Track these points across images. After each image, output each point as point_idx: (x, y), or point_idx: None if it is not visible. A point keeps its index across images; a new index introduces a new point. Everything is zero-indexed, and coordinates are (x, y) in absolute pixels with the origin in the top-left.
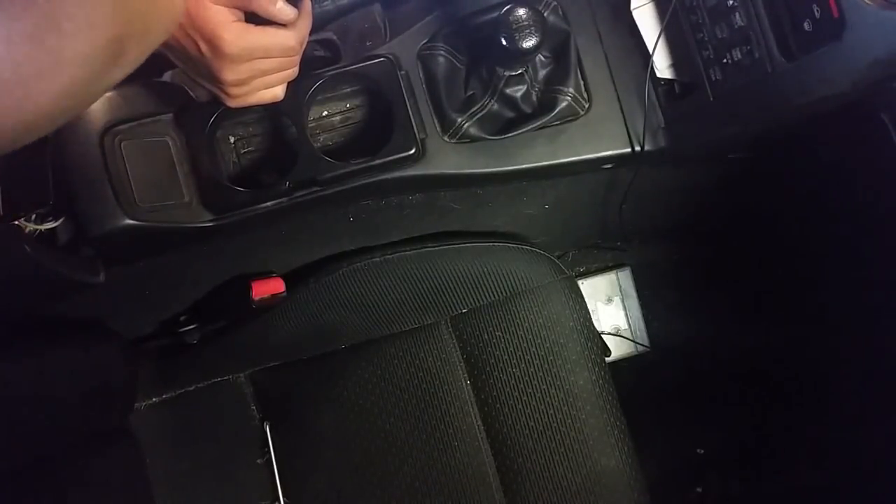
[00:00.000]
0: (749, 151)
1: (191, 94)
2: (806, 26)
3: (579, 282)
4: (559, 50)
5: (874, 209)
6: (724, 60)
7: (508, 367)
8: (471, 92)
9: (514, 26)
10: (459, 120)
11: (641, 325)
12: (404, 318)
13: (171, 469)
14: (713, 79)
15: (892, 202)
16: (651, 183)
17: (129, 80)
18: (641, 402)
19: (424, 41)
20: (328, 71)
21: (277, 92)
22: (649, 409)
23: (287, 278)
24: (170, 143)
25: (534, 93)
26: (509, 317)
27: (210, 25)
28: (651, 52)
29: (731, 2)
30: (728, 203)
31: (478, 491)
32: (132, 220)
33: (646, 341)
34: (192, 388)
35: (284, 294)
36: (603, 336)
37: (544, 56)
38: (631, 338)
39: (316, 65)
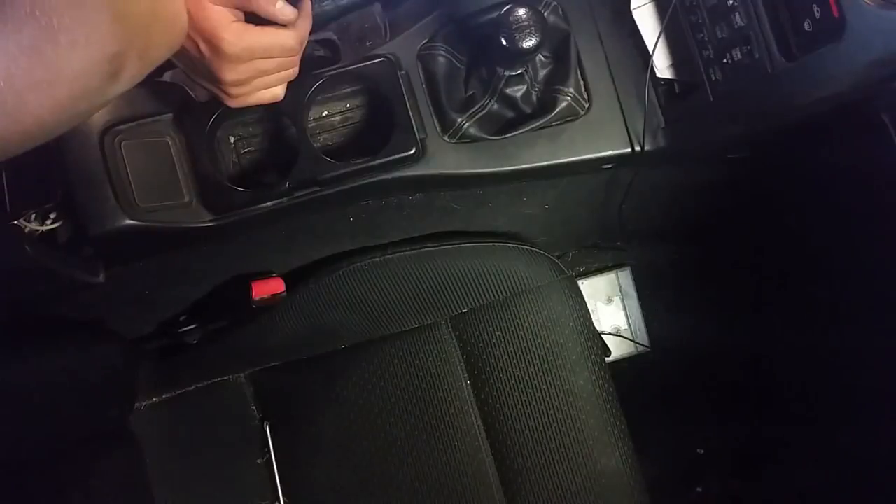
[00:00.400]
0: (749, 151)
1: (191, 94)
2: (806, 26)
3: (579, 282)
4: (559, 50)
5: (874, 209)
6: (724, 60)
7: (508, 367)
8: (471, 92)
9: (514, 26)
10: (459, 120)
11: (641, 325)
12: (404, 318)
13: (171, 469)
14: (713, 79)
15: (893, 202)
16: (651, 183)
17: None
18: (641, 402)
19: (424, 41)
20: (328, 71)
21: (277, 92)
22: (649, 409)
23: (287, 278)
24: (170, 143)
25: (534, 93)
26: (509, 317)
27: (210, 25)
28: (651, 52)
29: (731, 2)
30: (728, 203)
31: (478, 491)
32: (132, 220)
33: (646, 341)
34: (192, 388)
35: (284, 294)
36: (603, 336)
37: (544, 56)
38: (631, 338)
39: (316, 65)
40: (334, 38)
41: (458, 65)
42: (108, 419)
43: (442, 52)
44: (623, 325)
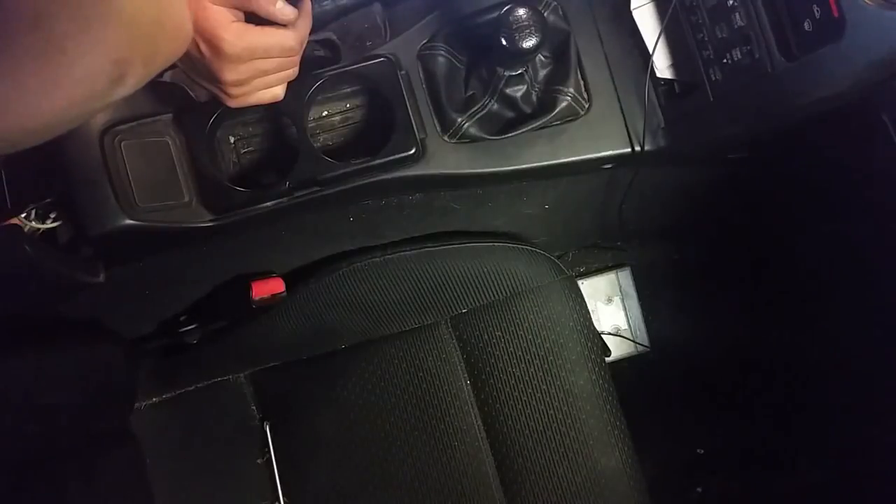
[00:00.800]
0: (749, 151)
1: (191, 94)
2: (806, 26)
3: (579, 282)
4: (559, 50)
5: (874, 209)
6: (724, 60)
7: (508, 367)
8: (471, 92)
9: (514, 26)
10: (459, 120)
11: (641, 325)
12: (404, 318)
13: (171, 469)
14: (713, 79)
15: (893, 202)
16: (651, 183)
17: None
18: (641, 402)
19: (424, 41)
20: (328, 71)
21: (277, 92)
22: (649, 409)
23: (287, 278)
24: (170, 143)
25: (534, 93)
26: (509, 317)
27: (210, 25)
28: (651, 52)
29: (731, 2)
30: (728, 203)
31: (478, 491)
32: (132, 220)
33: (646, 341)
34: (192, 388)
35: (284, 294)
36: (603, 336)
37: (544, 56)
38: (631, 338)
39: (316, 65)
40: (334, 38)
41: (458, 65)
42: (108, 419)
43: (442, 52)
44: (623, 325)
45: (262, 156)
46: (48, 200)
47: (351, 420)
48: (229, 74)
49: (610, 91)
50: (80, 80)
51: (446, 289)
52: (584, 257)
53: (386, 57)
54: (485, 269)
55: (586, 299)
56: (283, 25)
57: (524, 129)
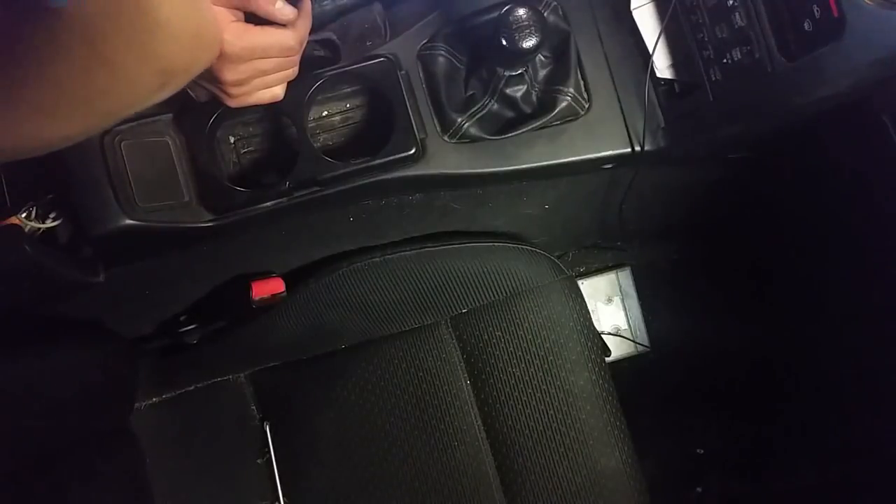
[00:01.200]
0: (749, 151)
1: (191, 94)
2: (806, 26)
3: (579, 282)
4: (559, 50)
5: (874, 209)
6: (724, 60)
7: (508, 367)
8: (471, 92)
9: (514, 26)
10: (459, 120)
11: (641, 325)
12: (404, 318)
13: (171, 469)
14: (713, 79)
15: (892, 202)
16: (651, 183)
17: None
18: (641, 402)
19: (424, 41)
20: (328, 71)
21: (277, 92)
22: (649, 409)
23: (287, 278)
24: (170, 143)
25: (534, 93)
26: (509, 317)
27: None
28: (651, 52)
29: (731, 2)
30: (728, 203)
31: (478, 491)
32: (132, 220)
33: (646, 341)
34: (192, 388)
35: (284, 294)
36: (603, 336)
37: (544, 56)
38: (631, 338)
39: (316, 65)
40: (334, 38)
41: (458, 65)
42: (108, 419)
43: (442, 52)
44: (623, 325)
45: (262, 156)
46: (49, 197)
47: (351, 420)
48: (229, 74)
49: (610, 91)
50: (126, 90)
51: (446, 289)
52: (584, 257)
53: (386, 57)
54: (485, 269)
55: (586, 299)
56: (283, 25)
57: (524, 130)
